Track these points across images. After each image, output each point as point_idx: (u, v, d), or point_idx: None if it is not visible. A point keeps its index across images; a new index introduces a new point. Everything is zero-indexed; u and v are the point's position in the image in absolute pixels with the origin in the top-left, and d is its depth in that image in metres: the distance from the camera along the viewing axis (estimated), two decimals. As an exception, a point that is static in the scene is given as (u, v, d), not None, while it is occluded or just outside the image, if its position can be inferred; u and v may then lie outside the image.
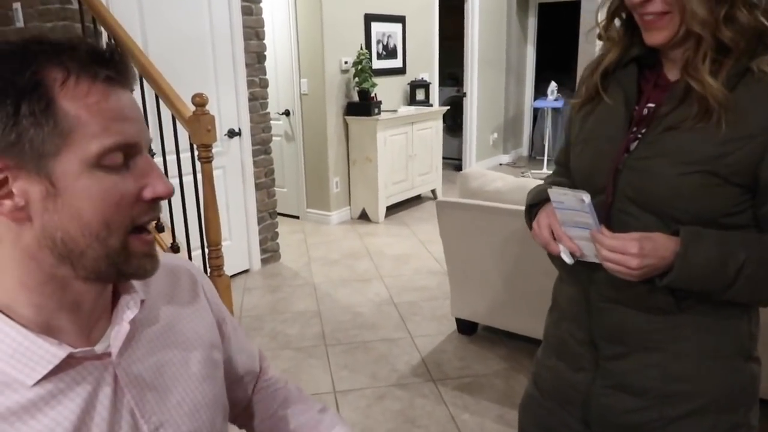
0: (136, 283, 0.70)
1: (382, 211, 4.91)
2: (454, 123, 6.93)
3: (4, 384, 0.57)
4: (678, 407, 1.00)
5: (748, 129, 0.87)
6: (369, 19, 4.93)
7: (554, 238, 1.01)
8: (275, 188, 4.01)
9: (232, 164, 3.62)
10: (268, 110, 3.86)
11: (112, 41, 0.61)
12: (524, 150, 7.90)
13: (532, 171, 6.56)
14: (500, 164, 7.35)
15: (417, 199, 5.50)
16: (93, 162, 0.57)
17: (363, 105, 4.74)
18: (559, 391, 1.14)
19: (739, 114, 0.88)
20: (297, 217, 5.02)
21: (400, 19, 5.31)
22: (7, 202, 0.56)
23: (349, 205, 5.03)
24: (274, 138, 4.02)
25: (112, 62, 0.59)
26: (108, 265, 0.61)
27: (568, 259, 0.99)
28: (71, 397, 0.61)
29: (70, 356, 0.60)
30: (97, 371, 0.64)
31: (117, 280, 0.66)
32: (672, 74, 0.98)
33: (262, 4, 3.73)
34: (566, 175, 1.16)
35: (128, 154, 0.59)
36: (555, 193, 0.96)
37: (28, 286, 0.59)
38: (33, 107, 0.54)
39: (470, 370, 2.61)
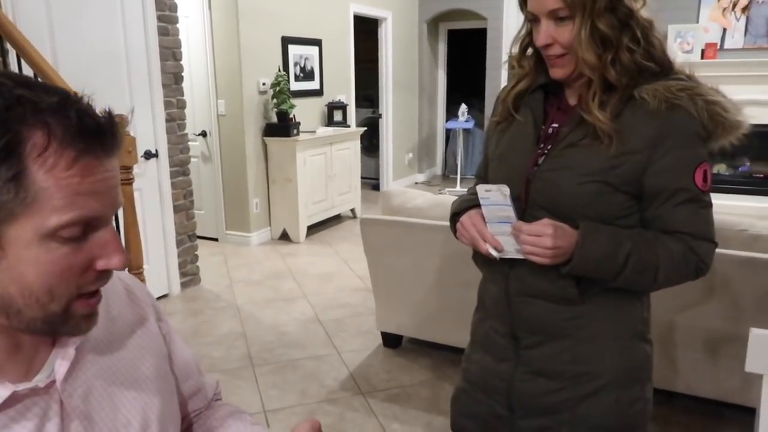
0: None
1: (303, 231, 4.94)
2: (370, 143, 7.09)
3: None
4: (586, 386, 1.15)
5: (631, 146, 1.05)
6: (286, 41, 4.99)
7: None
8: (193, 210, 3.93)
9: (150, 186, 3.53)
10: (186, 131, 3.80)
11: (107, 109, 0.59)
12: (438, 169, 8.20)
13: (448, 189, 6.82)
14: (416, 183, 7.58)
15: (337, 219, 5.57)
16: (48, 234, 0.55)
17: (282, 126, 4.77)
18: (485, 381, 1.26)
19: (625, 134, 1.05)
20: (216, 240, 4.92)
21: (317, 42, 5.41)
22: None
23: (270, 225, 5.01)
24: (191, 159, 3.96)
25: (100, 133, 0.56)
26: (43, 324, 0.60)
27: (494, 253, 1.11)
28: (17, 431, 0.60)
29: (13, 394, 0.59)
30: (43, 401, 0.63)
31: (50, 336, 0.64)
32: (572, 99, 1.16)
33: (178, 25, 3.69)
34: None
35: (89, 226, 0.58)
36: (481, 188, 1.10)
37: None
38: (1, 173, 0.52)
39: (397, 382, 2.69)
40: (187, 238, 3.86)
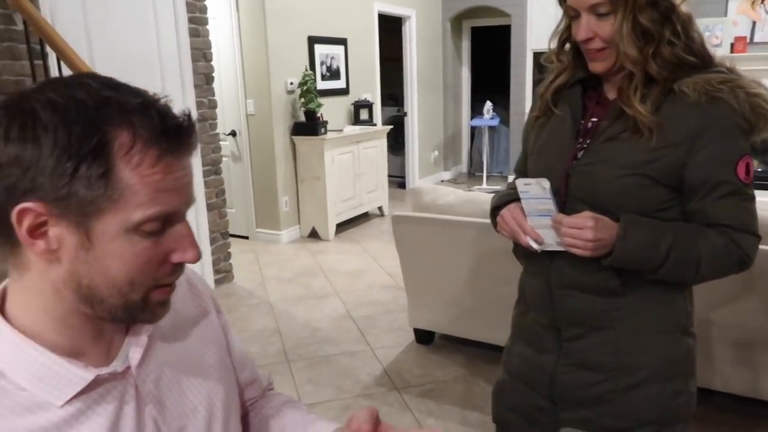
0: None
1: (332, 228, 4.98)
2: (395, 142, 7.10)
3: (35, 405, 0.60)
4: (629, 378, 1.15)
5: (671, 139, 1.05)
6: (312, 41, 5.04)
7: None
8: (225, 209, 4.00)
9: (183, 185, 3.59)
10: (217, 131, 3.87)
11: (187, 110, 0.62)
12: (464, 167, 8.19)
13: (478, 187, 6.79)
14: (442, 181, 7.58)
15: (364, 217, 5.60)
16: (132, 228, 0.58)
17: (310, 125, 4.81)
18: (527, 373, 1.27)
19: (665, 127, 1.06)
20: (246, 237, 4.99)
21: (342, 42, 5.45)
22: (40, 243, 0.57)
23: (299, 223, 5.06)
24: (222, 158, 4.02)
25: (180, 133, 0.60)
26: (124, 312, 0.63)
27: (535, 246, 1.12)
28: (99, 412, 0.64)
29: (96, 377, 0.63)
30: (121, 386, 0.67)
31: (129, 322, 0.68)
32: (611, 94, 1.17)
33: (207, 26, 3.76)
34: None
35: (167, 221, 0.61)
36: (521, 182, 1.11)
37: (51, 315, 0.62)
38: (91, 171, 0.55)
39: (431, 377, 2.71)
40: (220, 236, 3.93)
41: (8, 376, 0.60)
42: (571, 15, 1.11)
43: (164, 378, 0.72)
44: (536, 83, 6.93)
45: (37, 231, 0.57)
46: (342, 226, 5.19)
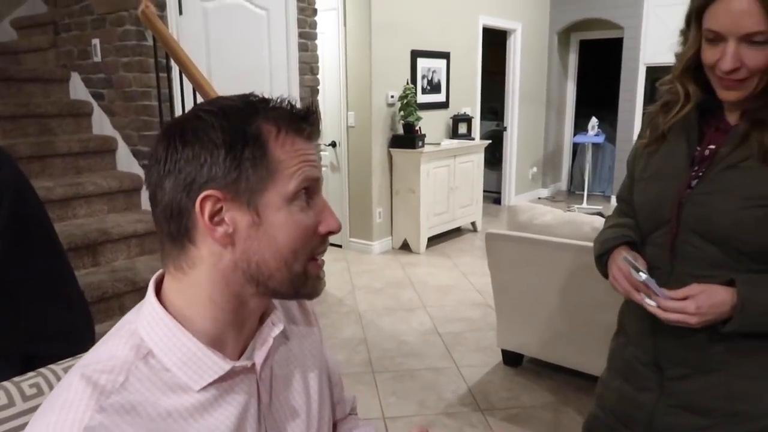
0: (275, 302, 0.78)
1: (424, 241, 4.98)
2: (493, 156, 6.99)
3: (177, 386, 0.66)
4: (742, 426, 1.05)
5: None
6: (415, 55, 5.09)
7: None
8: (322, 216, 4.12)
9: (284, 192, 3.75)
10: (319, 142, 4.00)
11: (310, 104, 0.78)
12: (563, 184, 7.91)
13: (578, 206, 6.52)
14: (539, 198, 7.37)
15: (457, 231, 5.56)
16: (289, 198, 0.67)
17: (408, 138, 4.86)
18: (623, 411, 1.20)
19: None
20: (339, 246, 5.12)
21: (445, 55, 5.46)
22: (220, 229, 0.65)
23: (391, 235, 5.11)
24: (322, 168, 4.16)
25: (309, 121, 0.70)
26: (288, 287, 0.70)
27: (651, 307, 1.06)
28: (230, 401, 0.69)
29: (231, 369, 0.68)
30: (248, 380, 0.72)
31: (292, 298, 0.75)
32: (732, 119, 1.07)
33: (316, 41, 3.91)
34: (628, 211, 1.23)
35: (310, 191, 0.70)
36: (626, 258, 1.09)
37: (215, 301, 0.68)
38: (254, 152, 0.65)
39: (518, 402, 2.62)
40: (315, 243, 4.05)
41: (157, 356, 0.66)
42: (709, 39, 1.01)
43: (275, 379, 0.77)
44: (648, 100, 6.59)
45: (215, 217, 0.65)
46: (433, 240, 5.18)
